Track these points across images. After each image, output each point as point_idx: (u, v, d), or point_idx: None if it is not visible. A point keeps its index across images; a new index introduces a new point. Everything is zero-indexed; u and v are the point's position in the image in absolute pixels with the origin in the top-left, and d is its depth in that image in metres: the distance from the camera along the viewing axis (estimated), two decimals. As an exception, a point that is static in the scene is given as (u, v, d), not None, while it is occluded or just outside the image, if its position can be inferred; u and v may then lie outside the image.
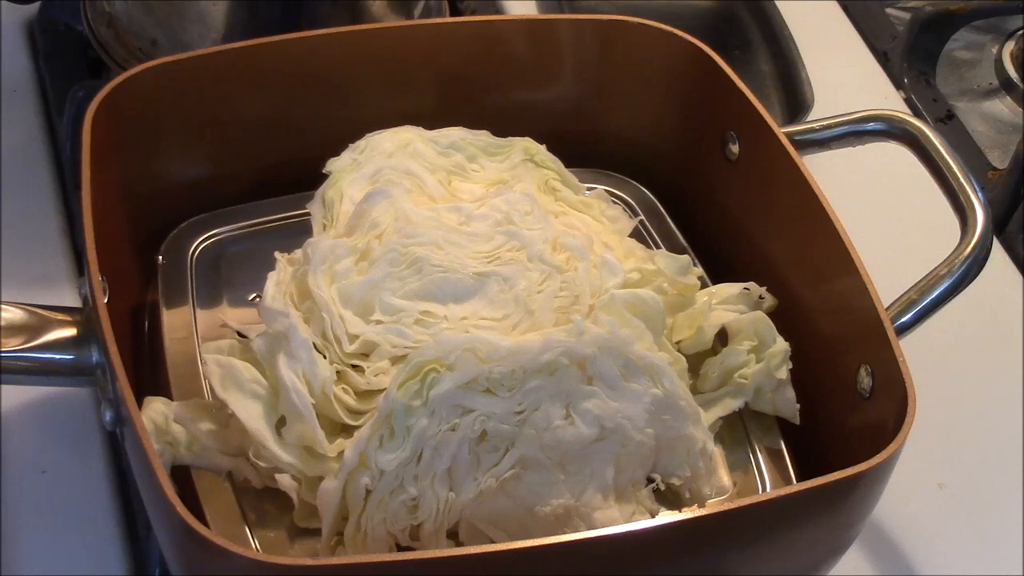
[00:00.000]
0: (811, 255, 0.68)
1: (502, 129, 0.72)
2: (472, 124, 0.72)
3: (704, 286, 0.71)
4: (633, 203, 0.78)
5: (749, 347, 0.66)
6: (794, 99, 0.96)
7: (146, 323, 0.70)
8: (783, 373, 0.66)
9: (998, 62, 1.03)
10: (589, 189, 0.73)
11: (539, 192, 0.69)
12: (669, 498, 0.63)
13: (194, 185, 0.74)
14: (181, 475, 0.61)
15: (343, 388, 0.60)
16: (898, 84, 1.00)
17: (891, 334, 0.61)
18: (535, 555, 0.52)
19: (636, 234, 0.72)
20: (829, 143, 0.73)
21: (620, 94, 0.78)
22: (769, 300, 0.69)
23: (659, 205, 0.78)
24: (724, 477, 0.65)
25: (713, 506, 0.63)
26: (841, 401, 0.65)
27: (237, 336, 0.65)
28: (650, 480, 0.62)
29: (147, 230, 0.72)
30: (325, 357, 0.60)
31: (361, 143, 0.70)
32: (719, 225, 0.75)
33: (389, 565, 0.52)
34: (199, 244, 0.73)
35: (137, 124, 0.70)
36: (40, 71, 0.91)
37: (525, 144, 0.71)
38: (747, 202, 0.73)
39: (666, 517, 0.61)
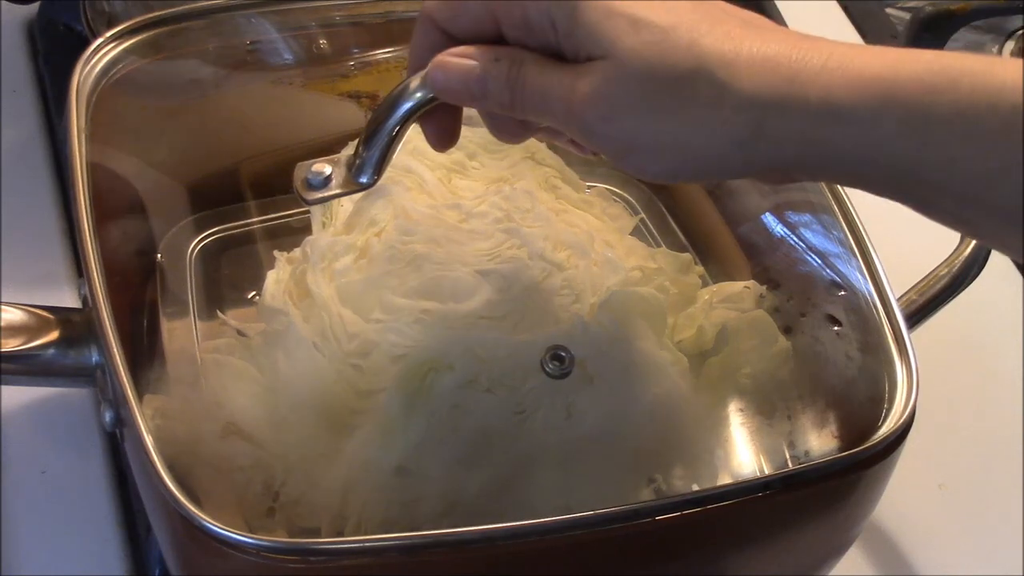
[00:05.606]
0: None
1: (502, 127, 0.72)
2: (472, 121, 0.72)
3: (705, 284, 0.71)
4: (634, 201, 0.78)
5: (750, 346, 0.66)
6: (794, 99, 0.96)
7: (145, 322, 0.70)
8: (784, 372, 0.66)
9: (998, 62, 1.03)
10: (590, 187, 0.73)
11: (540, 190, 0.69)
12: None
13: (193, 183, 0.74)
14: (181, 475, 0.61)
15: (343, 387, 0.60)
16: (898, 84, 1.00)
17: (892, 334, 0.61)
18: (535, 554, 0.52)
19: (637, 232, 0.72)
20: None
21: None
22: (770, 299, 0.69)
23: (660, 203, 0.78)
24: (724, 477, 0.65)
25: (713, 506, 0.62)
26: (841, 400, 0.65)
27: (236, 334, 0.65)
28: (651, 480, 0.62)
29: (146, 228, 0.72)
30: (324, 356, 0.60)
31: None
32: (720, 223, 0.75)
33: (389, 564, 0.51)
34: (198, 242, 0.73)
35: (135, 120, 0.70)
36: (40, 71, 0.91)
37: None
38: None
39: (666, 516, 0.61)
